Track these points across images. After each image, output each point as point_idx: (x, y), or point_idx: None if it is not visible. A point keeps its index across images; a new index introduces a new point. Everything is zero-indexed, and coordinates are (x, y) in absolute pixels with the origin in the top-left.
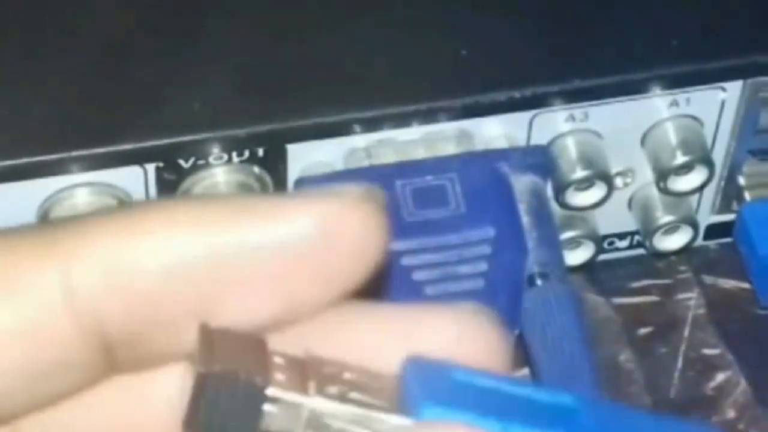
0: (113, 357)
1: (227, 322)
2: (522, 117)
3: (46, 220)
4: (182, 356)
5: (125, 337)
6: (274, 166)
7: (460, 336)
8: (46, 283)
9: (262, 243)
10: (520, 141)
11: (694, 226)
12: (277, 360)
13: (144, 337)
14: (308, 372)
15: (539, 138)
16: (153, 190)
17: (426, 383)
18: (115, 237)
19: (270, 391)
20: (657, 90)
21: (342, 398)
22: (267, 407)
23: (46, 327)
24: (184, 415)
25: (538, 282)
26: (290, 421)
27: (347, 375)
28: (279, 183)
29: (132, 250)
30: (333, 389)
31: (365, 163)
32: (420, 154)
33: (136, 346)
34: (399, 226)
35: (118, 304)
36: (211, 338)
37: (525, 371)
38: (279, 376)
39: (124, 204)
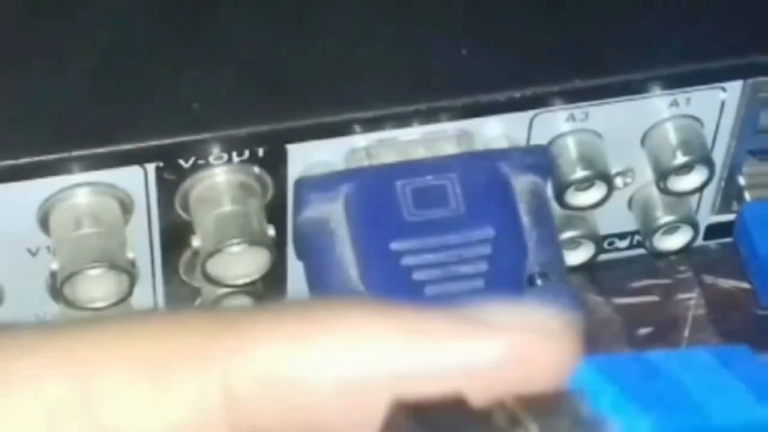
0: None
1: None
2: (522, 117)
3: (213, 307)
4: None
5: None
6: (274, 166)
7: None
8: (208, 384)
9: (449, 365)
10: (520, 141)
11: (694, 226)
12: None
13: None
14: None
15: (539, 138)
16: (153, 190)
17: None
18: (282, 345)
19: None
20: (657, 90)
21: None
22: None
23: (203, 430)
24: None
25: (538, 282)
26: None
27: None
28: (279, 183)
29: (299, 364)
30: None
31: (365, 163)
32: (420, 154)
33: None
34: (399, 226)
35: (277, 418)
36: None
37: None
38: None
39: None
